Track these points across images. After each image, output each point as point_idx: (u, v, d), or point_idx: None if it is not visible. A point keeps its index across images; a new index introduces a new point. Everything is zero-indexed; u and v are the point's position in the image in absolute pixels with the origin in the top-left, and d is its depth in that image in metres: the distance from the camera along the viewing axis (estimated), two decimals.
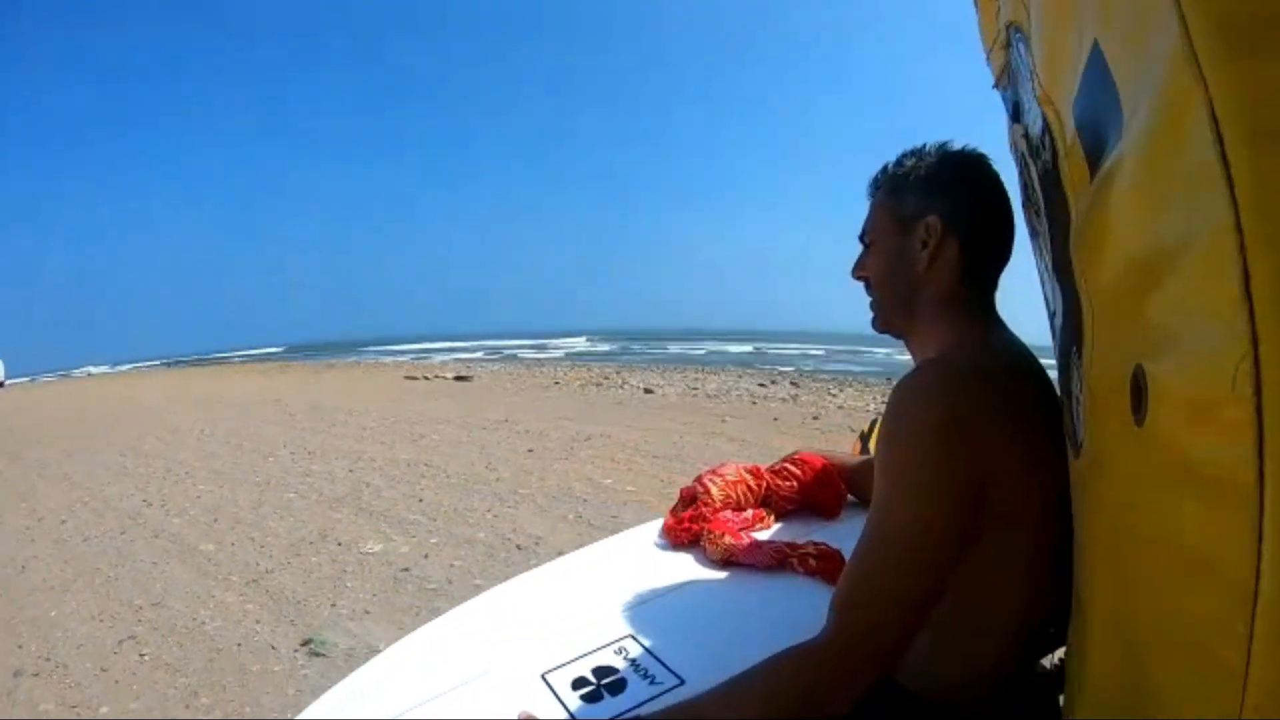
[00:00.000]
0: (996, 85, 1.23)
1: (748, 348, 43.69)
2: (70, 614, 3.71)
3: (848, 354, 36.16)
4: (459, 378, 16.84)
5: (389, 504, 5.41)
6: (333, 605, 3.59)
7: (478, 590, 3.60)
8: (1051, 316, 1.01)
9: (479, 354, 38.31)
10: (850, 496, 1.66)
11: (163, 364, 44.80)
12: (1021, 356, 1.03)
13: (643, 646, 1.16)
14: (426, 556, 4.22)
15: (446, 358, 33.54)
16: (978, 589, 0.92)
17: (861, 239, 1.16)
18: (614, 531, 4.40)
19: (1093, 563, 0.73)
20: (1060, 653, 1.13)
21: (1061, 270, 0.84)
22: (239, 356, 52.00)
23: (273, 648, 3.18)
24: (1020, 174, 1.11)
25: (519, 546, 4.34)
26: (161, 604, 3.74)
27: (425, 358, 34.08)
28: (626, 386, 13.88)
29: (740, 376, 16.71)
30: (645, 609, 1.28)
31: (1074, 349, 0.78)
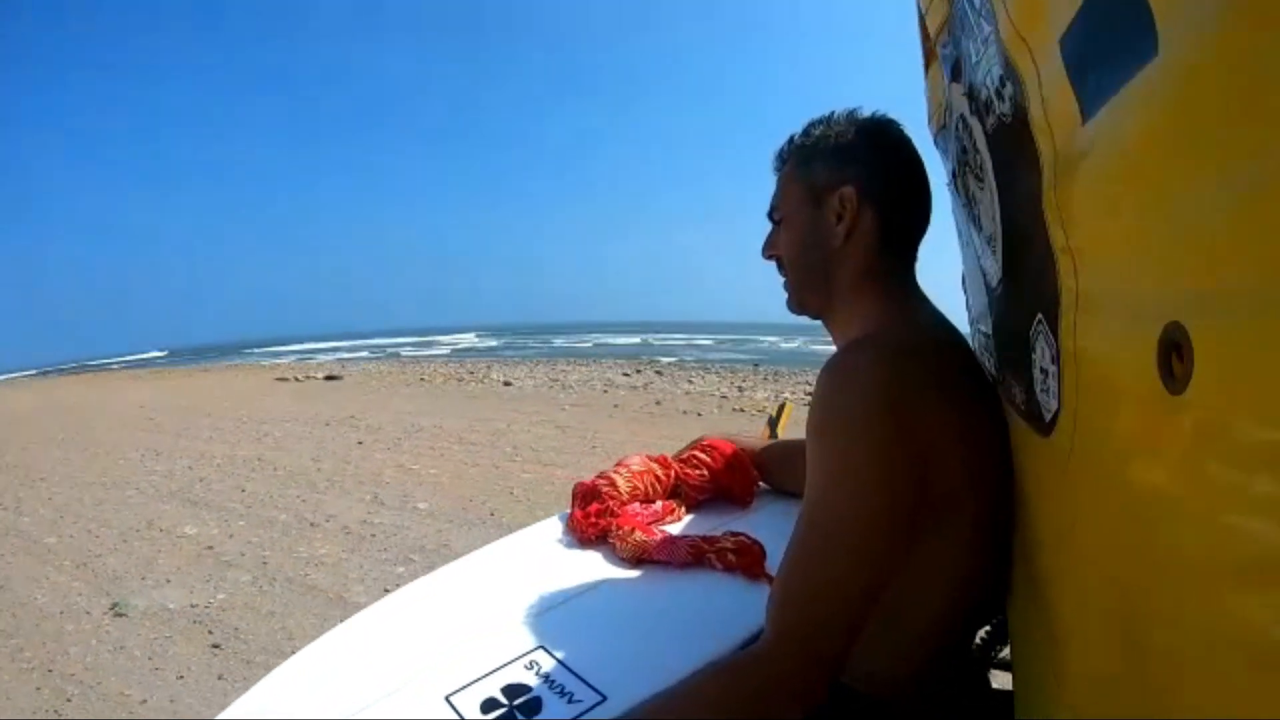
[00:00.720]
0: (934, 42, 1.19)
1: (636, 339, 44.65)
2: None
3: (733, 343, 37.47)
4: (329, 377, 17.33)
5: (215, 495, 6.21)
6: (142, 578, 4.41)
7: (265, 561, 4.51)
8: (990, 290, 0.97)
9: (363, 353, 38.33)
10: (761, 483, 1.59)
11: (37, 373, 42.90)
12: (947, 331, 0.98)
13: (556, 659, 1.05)
14: (231, 536, 5.09)
15: (328, 357, 33.52)
16: (919, 575, 0.87)
17: (770, 216, 1.08)
18: (400, 509, 5.37)
19: (1074, 552, 0.67)
20: (983, 631, 1.15)
21: (1019, 233, 0.79)
22: (119, 362, 50.00)
23: (87, 613, 3.97)
24: (955, 139, 1.06)
25: (312, 524, 5.28)
26: (4, 587, 4.43)
27: (308, 358, 34.00)
28: (487, 381, 14.78)
29: (610, 367, 17.59)
30: (555, 615, 1.18)
31: (1039, 317, 0.72)
